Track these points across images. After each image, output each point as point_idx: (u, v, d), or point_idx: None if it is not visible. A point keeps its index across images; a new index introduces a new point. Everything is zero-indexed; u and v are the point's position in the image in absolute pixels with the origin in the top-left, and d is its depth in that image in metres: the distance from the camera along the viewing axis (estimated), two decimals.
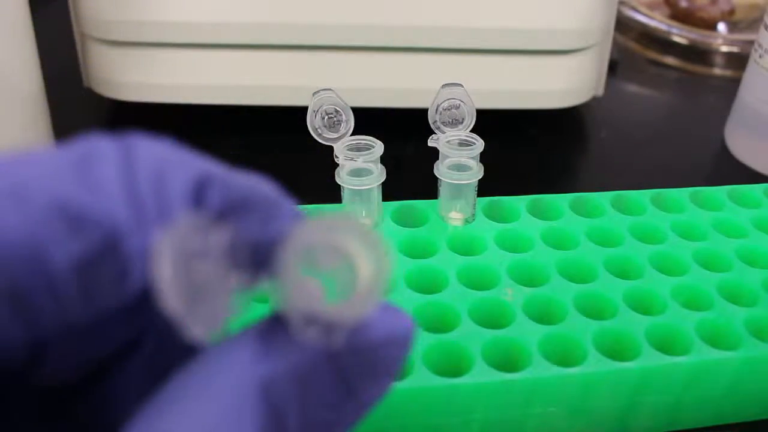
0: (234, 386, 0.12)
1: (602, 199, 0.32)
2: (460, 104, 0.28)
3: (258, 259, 0.13)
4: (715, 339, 0.26)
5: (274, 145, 0.43)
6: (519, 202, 0.31)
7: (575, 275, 0.28)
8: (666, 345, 0.26)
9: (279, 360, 0.12)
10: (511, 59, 0.41)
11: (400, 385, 0.23)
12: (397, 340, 0.13)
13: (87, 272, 0.11)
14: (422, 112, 0.41)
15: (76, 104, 0.44)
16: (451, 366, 0.25)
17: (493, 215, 0.31)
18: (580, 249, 0.30)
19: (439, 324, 0.26)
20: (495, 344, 0.25)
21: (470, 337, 0.25)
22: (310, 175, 0.33)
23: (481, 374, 0.24)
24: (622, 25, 0.59)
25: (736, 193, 0.34)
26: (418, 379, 0.24)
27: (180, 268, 0.11)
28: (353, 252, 0.12)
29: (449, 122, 0.29)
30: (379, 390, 0.14)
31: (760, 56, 0.41)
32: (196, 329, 0.11)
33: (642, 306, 0.27)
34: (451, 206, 0.30)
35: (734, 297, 0.28)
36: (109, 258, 0.11)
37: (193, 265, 0.11)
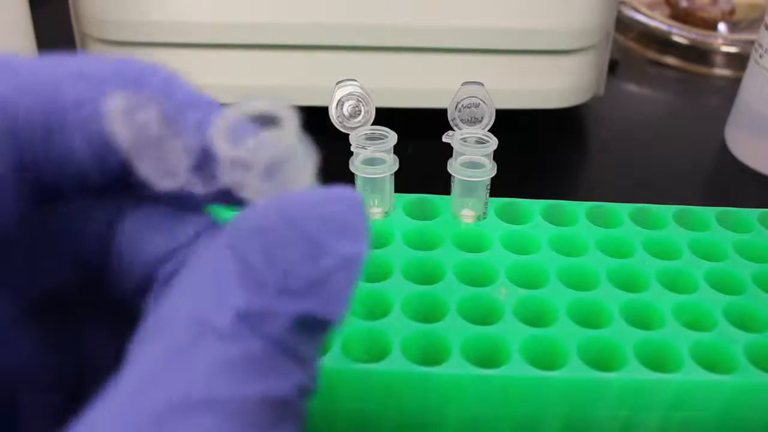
0: (214, 255, 0.14)
1: (622, 210, 0.31)
2: (480, 103, 0.29)
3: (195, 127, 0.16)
4: (711, 361, 0.25)
5: None
6: (534, 206, 0.31)
7: (576, 282, 0.28)
8: (656, 361, 0.25)
9: (240, 223, 0.14)
10: (511, 59, 0.41)
11: (376, 368, 0.24)
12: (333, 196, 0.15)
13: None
14: (421, 112, 0.41)
15: None
16: (431, 357, 0.25)
17: (506, 216, 0.31)
18: (586, 257, 0.29)
19: (428, 315, 0.26)
20: (476, 340, 0.25)
21: (452, 330, 0.25)
22: None
23: (456, 366, 0.24)
24: (622, 25, 0.58)
25: (766, 217, 0.32)
26: (394, 363, 0.24)
27: (129, 113, 0.14)
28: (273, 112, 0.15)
29: (468, 120, 0.29)
30: (350, 246, 0.14)
31: (761, 56, 0.41)
32: (143, 168, 0.15)
33: (639, 319, 0.26)
34: (463, 203, 0.30)
35: (741, 321, 0.27)
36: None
37: (140, 115, 0.15)
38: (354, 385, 0.22)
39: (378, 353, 0.25)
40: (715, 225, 0.31)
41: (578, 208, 0.31)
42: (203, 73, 0.41)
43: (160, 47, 0.40)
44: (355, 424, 0.25)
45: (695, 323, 0.26)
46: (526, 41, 0.40)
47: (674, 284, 0.28)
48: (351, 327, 0.25)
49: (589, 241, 0.30)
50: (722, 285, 0.28)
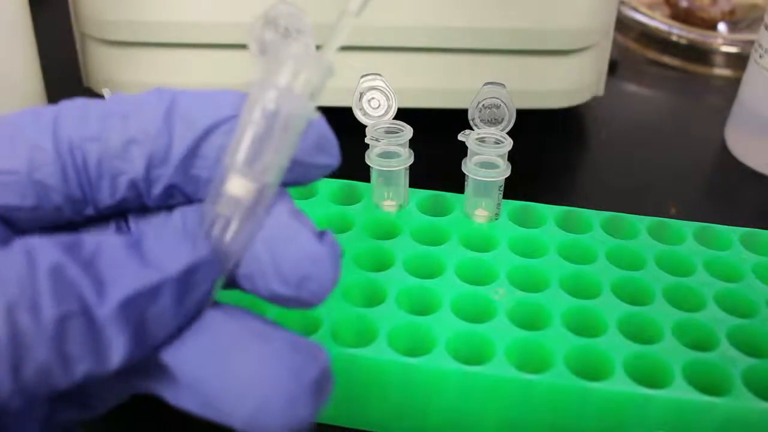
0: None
1: (640, 223, 0.31)
2: (501, 104, 0.29)
3: None
4: (706, 382, 0.24)
5: None
6: (549, 211, 0.31)
7: (577, 290, 0.27)
8: (647, 377, 0.24)
9: None
10: (511, 59, 0.41)
11: (360, 353, 0.24)
12: None
13: None
14: (421, 112, 0.41)
15: None
16: (417, 348, 0.25)
17: (519, 219, 0.31)
18: (592, 266, 0.28)
19: (421, 308, 0.26)
20: (462, 336, 0.25)
21: (441, 324, 0.25)
22: None
23: (437, 359, 0.24)
24: (622, 25, 0.58)
25: None
26: (377, 351, 0.24)
27: None
28: None
29: (488, 121, 0.29)
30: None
31: (760, 56, 0.41)
32: None
33: (636, 333, 0.26)
34: (477, 203, 0.30)
35: (746, 345, 0.25)
36: None
37: None
38: (339, 369, 0.22)
39: (366, 340, 0.25)
40: (736, 245, 0.30)
41: (594, 216, 0.31)
42: (203, 73, 0.41)
43: (160, 47, 0.40)
44: (340, 407, 0.25)
45: (696, 342, 0.26)
46: (526, 41, 0.40)
47: (681, 301, 0.27)
48: (343, 312, 0.26)
49: (600, 251, 0.29)
50: (732, 307, 0.27)
